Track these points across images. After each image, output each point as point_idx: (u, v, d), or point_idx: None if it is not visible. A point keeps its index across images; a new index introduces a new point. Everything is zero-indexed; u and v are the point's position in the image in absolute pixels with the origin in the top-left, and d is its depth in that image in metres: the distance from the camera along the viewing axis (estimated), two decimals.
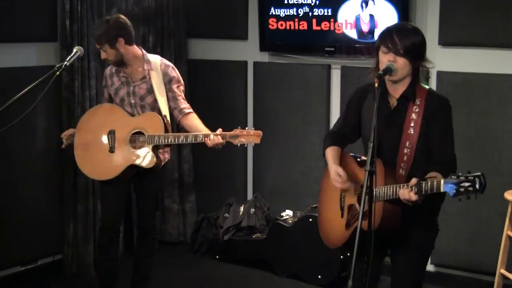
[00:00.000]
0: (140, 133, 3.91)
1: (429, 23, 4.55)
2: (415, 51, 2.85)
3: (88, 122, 4.04)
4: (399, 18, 4.50)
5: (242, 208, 5.27)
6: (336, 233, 3.10)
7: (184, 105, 4.03)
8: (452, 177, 2.56)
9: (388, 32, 2.87)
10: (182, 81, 4.09)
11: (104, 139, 3.97)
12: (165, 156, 4.14)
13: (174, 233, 5.59)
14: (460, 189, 2.54)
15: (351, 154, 3.14)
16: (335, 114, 4.99)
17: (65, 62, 3.46)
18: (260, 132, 3.79)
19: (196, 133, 3.85)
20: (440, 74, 4.54)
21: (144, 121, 3.93)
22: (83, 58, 4.66)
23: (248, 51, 5.40)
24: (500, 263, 4.06)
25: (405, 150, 2.87)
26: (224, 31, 5.48)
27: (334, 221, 3.11)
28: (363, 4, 4.69)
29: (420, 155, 2.87)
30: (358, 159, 3.08)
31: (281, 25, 5.07)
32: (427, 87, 2.95)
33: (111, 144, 3.95)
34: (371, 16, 4.67)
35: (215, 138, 3.77)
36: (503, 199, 3.99)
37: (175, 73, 4.05)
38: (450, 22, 4.47)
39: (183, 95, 4.08)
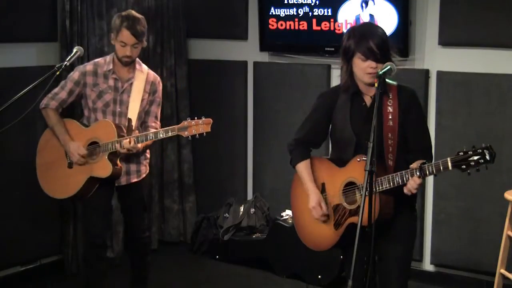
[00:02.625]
0: (96, 143, 3.81)
1: (429, 23, 4.55)
2: (387, 50, 2.91)
3: (47, 142, 3.96)
4: (399, 18, 4.51)
5: (242, 208, 5.27)
6: (324, 235, 3.10)
7: (153, 123, 3.94)
8: (460, 154, 2.67)
9: (363, 39, 2.88)
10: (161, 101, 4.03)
11: (63, 156, 3.89)
12: (147, 168, 4.05)
13: (174, 233, 5.58)
14: (471, 163, 2.65)
15: (327, 157, 3.18)
16: None
17: (65, 62, 3.45)
18: (209, 120, 3.61)
19: (146, 133, 3.74)
20: (440, 74, 4.54)
21: (97, 130, 3.82)
22: (83, 58, 4.66)
23: (248, 51, 5.40)
24: (500, 263, 4.06)
25: (389, 142, 2.93)
26: (224, 31, 5.47)
27: (318, 223, 3.10)
28: (363, 4, 4.69)
29: (403, 144, 2.96)
30: (336, 161, 3.09)
31: (281, 25, 5.07)
32: (395, 82, 2.95)
33: (69, 159, 3.87)
34: (371, 16, 4.67)
35: (130, 139, 3.66)
36: (503, 199, 3.99)
37: (161, 88, 3.99)
38: (450, 22, 4.47)
39: (158, 112, 3.98)
